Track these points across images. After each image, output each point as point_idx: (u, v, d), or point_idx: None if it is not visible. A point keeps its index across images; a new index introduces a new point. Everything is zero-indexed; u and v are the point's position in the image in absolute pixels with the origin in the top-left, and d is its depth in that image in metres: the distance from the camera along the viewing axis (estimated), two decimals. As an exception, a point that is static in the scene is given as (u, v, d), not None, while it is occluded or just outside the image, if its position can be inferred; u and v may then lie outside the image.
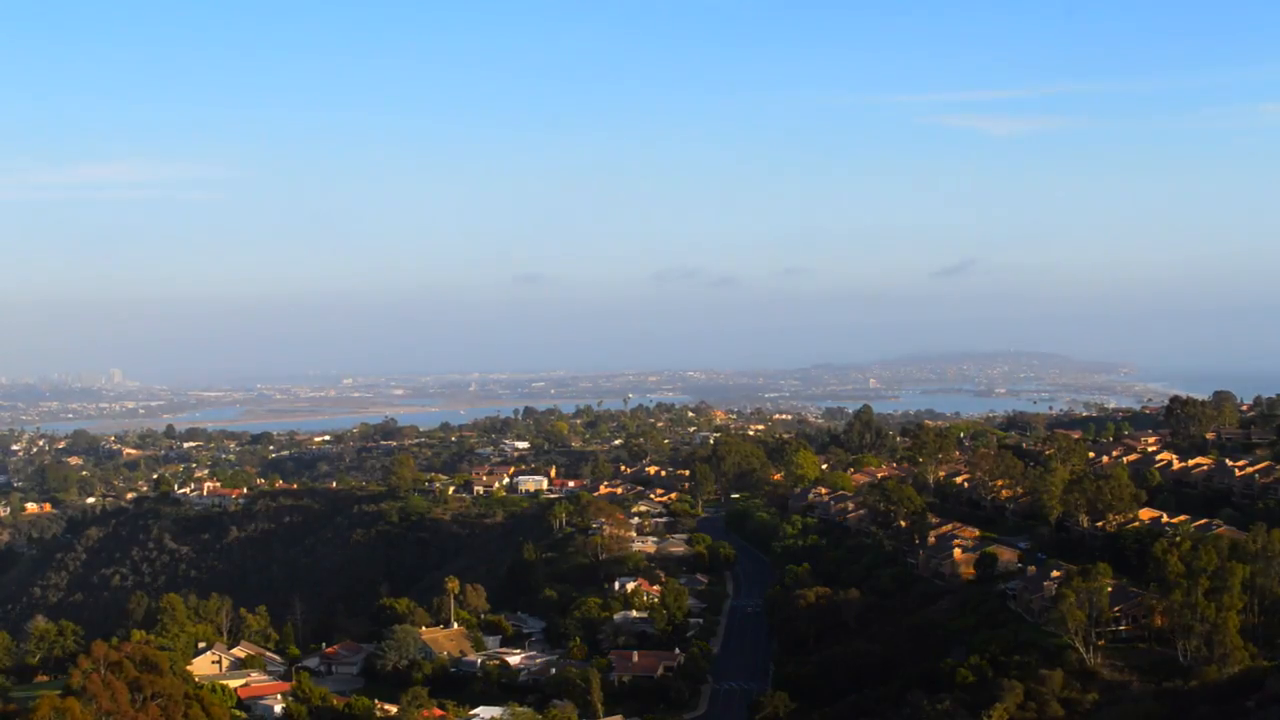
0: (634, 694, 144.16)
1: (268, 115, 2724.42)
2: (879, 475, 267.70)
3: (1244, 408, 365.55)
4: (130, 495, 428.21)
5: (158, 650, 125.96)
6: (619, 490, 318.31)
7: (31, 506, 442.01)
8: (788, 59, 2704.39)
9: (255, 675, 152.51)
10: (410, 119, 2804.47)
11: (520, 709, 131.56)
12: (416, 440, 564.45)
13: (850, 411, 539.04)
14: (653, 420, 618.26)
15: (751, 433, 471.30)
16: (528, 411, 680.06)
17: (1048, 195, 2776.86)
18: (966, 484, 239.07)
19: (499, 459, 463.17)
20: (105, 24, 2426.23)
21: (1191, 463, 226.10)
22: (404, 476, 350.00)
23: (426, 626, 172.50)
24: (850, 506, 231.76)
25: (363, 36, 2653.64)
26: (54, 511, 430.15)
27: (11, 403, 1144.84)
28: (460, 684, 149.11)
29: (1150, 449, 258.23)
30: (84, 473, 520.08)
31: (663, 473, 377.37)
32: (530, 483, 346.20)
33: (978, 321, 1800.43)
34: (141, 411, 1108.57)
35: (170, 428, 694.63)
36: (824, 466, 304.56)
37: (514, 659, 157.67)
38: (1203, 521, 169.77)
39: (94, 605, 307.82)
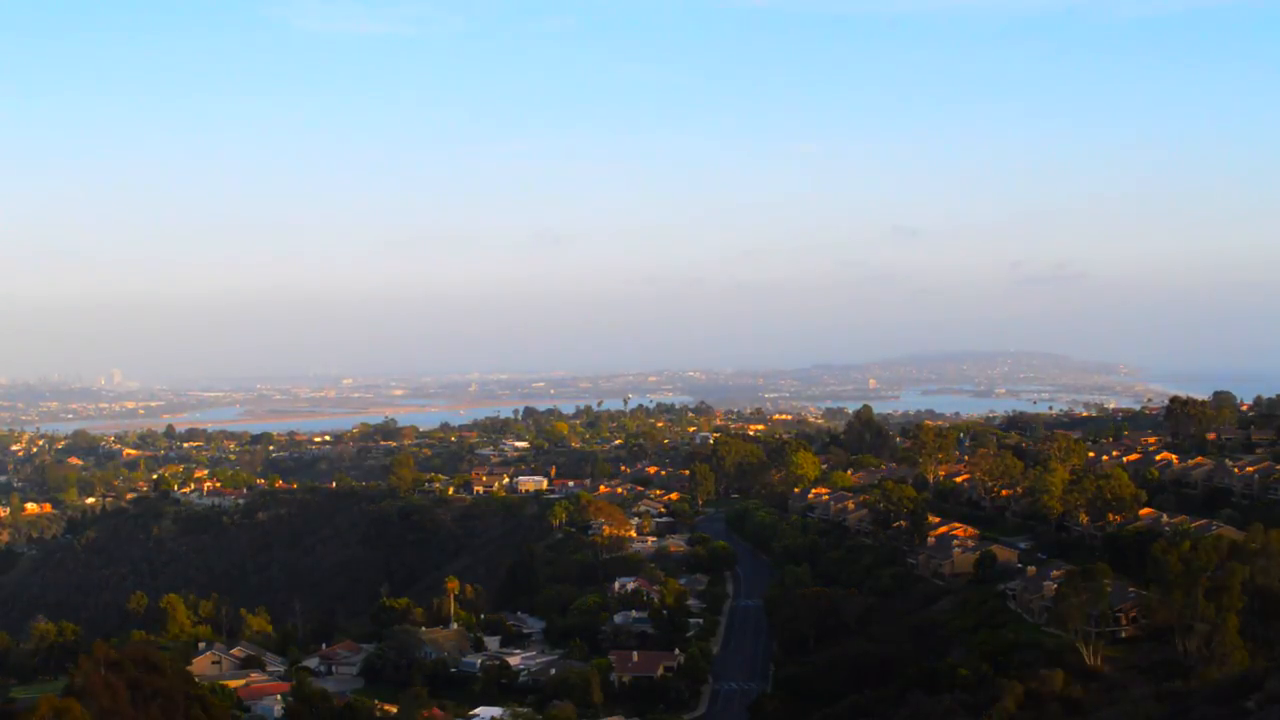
0: (634, 694, 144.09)
1: (263, 111, 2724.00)
2: (879, 476, 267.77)
3: (1244, 408, 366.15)
4: (130, 495, 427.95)
5: (158, 650, 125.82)
6: (619, 490, 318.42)
7: (31, 506, 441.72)
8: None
9: (255, 675, 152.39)
10: (402, 113, 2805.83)
11: (520, 709, 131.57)
12: (416, 441, 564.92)
13: (850, 411, 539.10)
14: (653, 420, 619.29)
15: (751, 433, 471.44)
16: (528, 412, 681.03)
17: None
18: (966, 484, 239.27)
19: (499, 459, 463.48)
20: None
21: (1191, 463, 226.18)
22: (404, 477, 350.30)
23: (426, 626, 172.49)
24: (850, 506, 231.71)
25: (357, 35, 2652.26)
26: (54, 511, 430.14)
27: (11, 403, 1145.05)
28: (460, 684, 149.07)
29: (1150, 449, 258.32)
30: (84, 473, 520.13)
31: (663, 473, 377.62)
32: (530, 483, 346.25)
33: (980, 322, 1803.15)
34: (141, 411, 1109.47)
35: (170, 428, 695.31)
36: (824, 467, 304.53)
37: (514, 659, 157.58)
38: (1203, 521, 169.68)
39: (94, 605, 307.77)
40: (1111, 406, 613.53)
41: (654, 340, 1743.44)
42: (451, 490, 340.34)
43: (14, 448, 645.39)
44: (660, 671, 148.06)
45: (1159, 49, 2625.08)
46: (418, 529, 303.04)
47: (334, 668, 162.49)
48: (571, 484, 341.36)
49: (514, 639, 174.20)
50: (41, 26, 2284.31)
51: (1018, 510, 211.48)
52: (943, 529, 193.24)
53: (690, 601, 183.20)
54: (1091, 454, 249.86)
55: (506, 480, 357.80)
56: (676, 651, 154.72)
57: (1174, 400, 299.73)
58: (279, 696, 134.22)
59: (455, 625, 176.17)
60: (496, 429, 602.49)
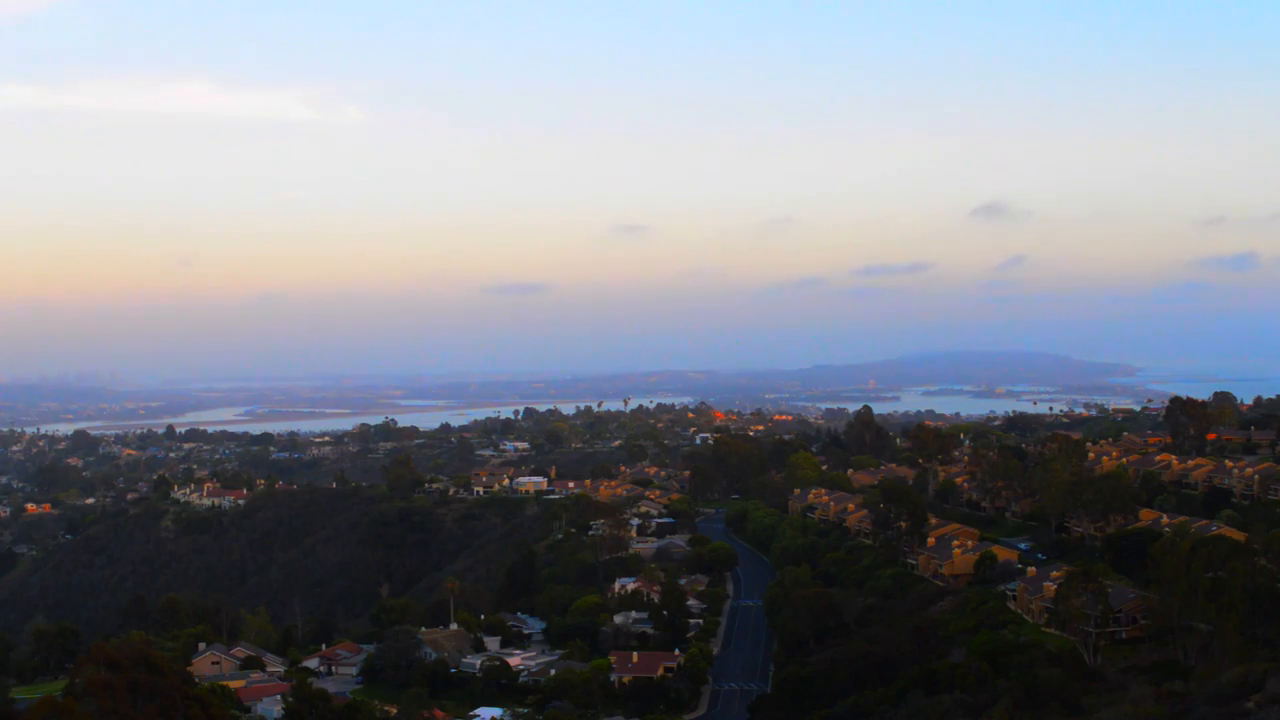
0: (634, 694, 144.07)
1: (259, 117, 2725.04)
2: (879, 476, 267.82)
3: (1244, 408, 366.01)
4: (130, 495, 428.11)
5: (158, 650, 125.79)
6: (619, 490, 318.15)
7: (31, 506, 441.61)
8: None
9: (255, 675, 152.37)
10: (405, 123, 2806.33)
11: (520, 709, 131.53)
12: (417, 441, 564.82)
13: (850, 412, 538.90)
14: (653, 421, 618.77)
15: (752, 433, 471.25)
16: (528, 412, 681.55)
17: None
18: (967, 485, 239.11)
19: (499, 460, 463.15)
20: None
21: (1192, 463, 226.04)
22: (404, 477, 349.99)
23: (426, 627, 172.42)
24: (850, 507, 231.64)
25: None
26: (54, 511, 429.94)
27: (11, 403, 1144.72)
28: (460, 684, 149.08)
29: (1150, 450, 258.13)
30: (84, 473, 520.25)
31: (663, 473, 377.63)
32: (530, 483, 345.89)
33: (979, 322, 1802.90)
34: (141, 412, 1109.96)
35: (170, 428, 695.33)
36: (824, 467, 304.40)
37: (514, 659, 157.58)
38: (1203, 522, 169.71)
39: (94, 605, 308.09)
40: (1111, 407, 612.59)
41: (654, 340, 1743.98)
42: (452, 490, 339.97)
43: (14, 448, 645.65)
44: (660, 672, 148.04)
45: None
46: (418, 529, 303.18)
47: (334, 668, 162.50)
48: (572, 484, 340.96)
49: (514, 639, 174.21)
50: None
51: (1018, 511, 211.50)
52: (943, 530, 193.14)
53: (690, 601, 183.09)
54: (1092, 455, 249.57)
55: (507, 481, 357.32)
56: (676, 651, 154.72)
57: (1174, 401, 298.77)
58: (279, 697, 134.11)
59: (455, 625, 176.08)
60: (497, 429, 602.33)
